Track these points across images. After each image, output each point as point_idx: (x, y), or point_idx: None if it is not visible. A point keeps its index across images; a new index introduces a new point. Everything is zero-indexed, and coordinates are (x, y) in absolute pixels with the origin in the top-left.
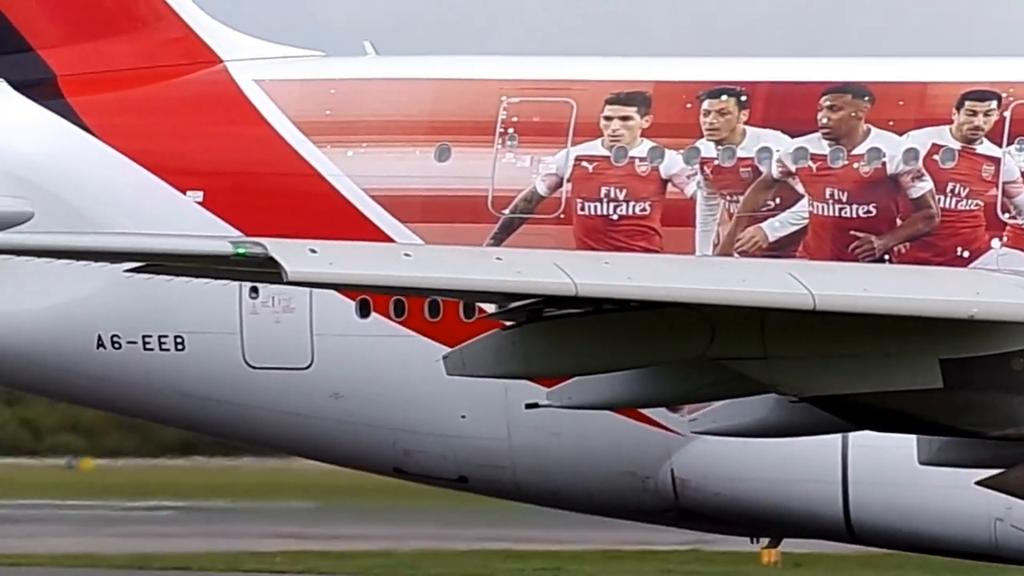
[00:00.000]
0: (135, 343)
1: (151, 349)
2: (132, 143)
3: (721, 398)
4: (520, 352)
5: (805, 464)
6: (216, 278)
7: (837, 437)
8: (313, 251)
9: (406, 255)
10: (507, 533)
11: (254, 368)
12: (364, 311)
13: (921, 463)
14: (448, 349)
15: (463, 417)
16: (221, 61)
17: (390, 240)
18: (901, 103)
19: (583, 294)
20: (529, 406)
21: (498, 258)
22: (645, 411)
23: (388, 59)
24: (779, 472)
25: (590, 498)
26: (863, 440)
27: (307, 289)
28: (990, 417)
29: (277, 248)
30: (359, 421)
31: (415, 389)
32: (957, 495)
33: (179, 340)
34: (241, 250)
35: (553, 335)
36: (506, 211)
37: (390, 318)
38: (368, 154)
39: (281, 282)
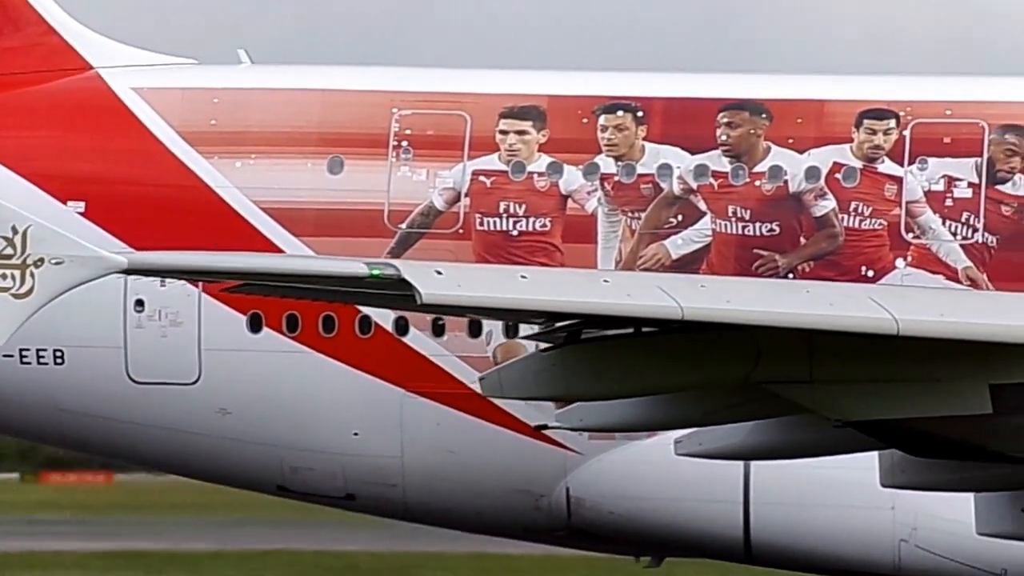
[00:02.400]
0: (11, 356)
1: (28, 363)
2: (6, 151)
3: (733, 421)
4: (561, 374)
5: (708, 484)
6: (331, 301)
7: None
8: (439, 272)
9: (523, 276)
10: None
11: (138, 383)
12: (255, 326)
13: (884, 486)
14: (343, 365)
15: (356, 434)
16: (91, 67)
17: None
18: (799, 121)
19: (688, 318)
20: (538, 428)
21: (605, 280)
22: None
23: (272, 68)
24: (681, 491)
25: (480, 517)
26: (765, 461)
27: (195, 302)
28: None
29: (410, 270)
30: (246, 438)
31: (307, 405)
32: (862, 516)
33: (59, 354)
34: (375, 271)
35: (596, 357)
36: (403, 225)
37: (283, 333)
38: (258, 166)
39: (414, 306)
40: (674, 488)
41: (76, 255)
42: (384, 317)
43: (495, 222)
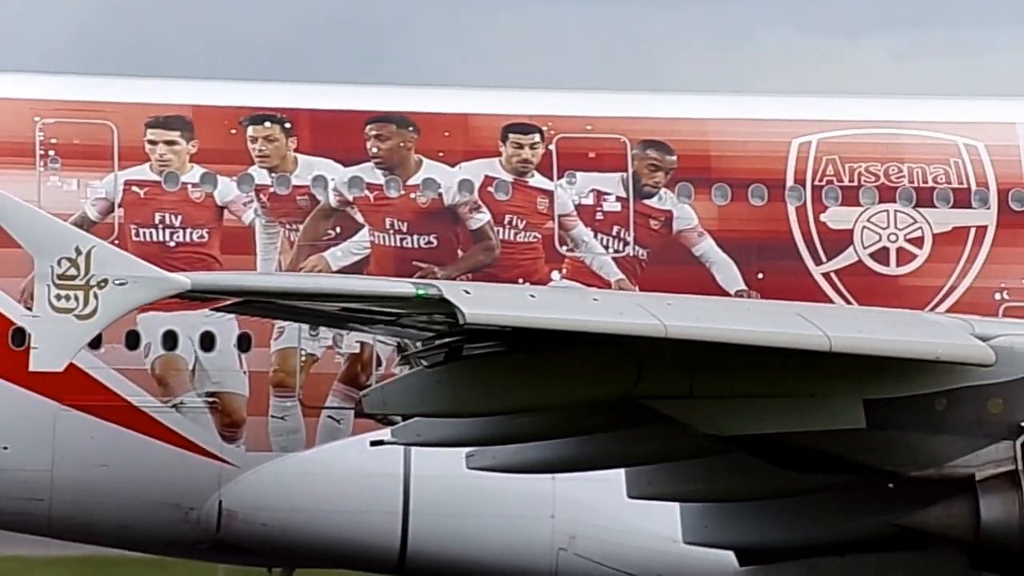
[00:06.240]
0: None
1: None
2: None
3: (569, 436)
4: (445, 391)
5: (366, 495)
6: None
7: (399, 468)
8: (467, 292)
9: (531, 296)
10: None
11: None
12: None
13: (631, 497)
14: None
15: (5, 448)
16: None
17: None
18: (447, 134)
19: (672, 335)
20: (374, 443)
21: (594, 299)
22: (199, 442)
23: None
24: (339, 503)
25: (124, 531)
26: (425, 471)
27: None
28: (912, 457)
29: (450, 290)
30: None
31: None
32: (521, 525)
33: None
34: (421, 291)
35: (480, 374)
36: None
37: None
38: None
39: (459, 326)
40: (332, 500)
41: (140, 276)
42: None
43: (151, 233)
